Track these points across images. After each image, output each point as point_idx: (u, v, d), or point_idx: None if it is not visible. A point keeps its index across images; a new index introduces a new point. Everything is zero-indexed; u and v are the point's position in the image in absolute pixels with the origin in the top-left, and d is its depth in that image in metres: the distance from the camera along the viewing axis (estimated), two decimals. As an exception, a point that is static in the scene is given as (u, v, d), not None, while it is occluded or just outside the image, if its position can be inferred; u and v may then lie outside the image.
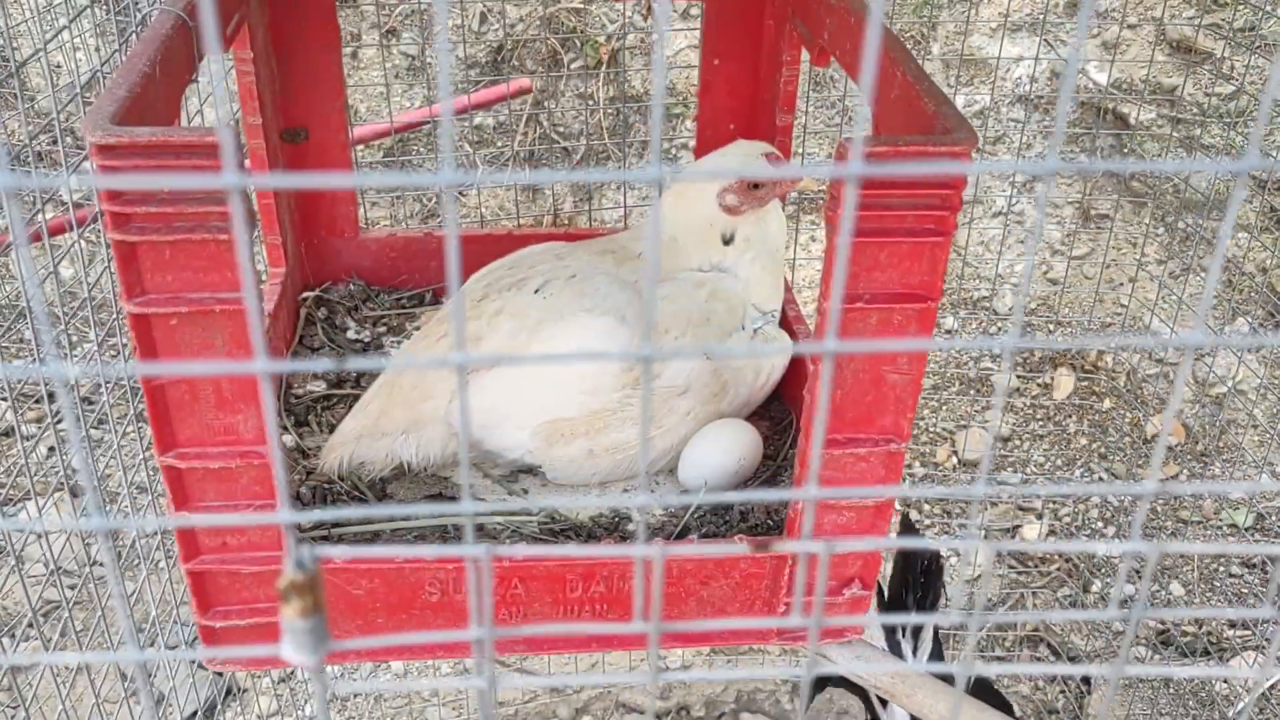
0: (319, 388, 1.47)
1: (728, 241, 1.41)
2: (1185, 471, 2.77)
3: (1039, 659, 2.52)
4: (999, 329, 3.39)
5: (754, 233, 1.42)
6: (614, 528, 1.26)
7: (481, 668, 0.43)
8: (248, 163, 1.44)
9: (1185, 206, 3.11)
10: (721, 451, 1.32)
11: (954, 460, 2.99)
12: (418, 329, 1.55)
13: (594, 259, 1.41)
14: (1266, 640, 2.35)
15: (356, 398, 1.40)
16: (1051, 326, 3.26)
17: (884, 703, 1.63)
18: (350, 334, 1.59)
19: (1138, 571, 2.54)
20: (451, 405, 1.31)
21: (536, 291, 1.34)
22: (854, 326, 1.02)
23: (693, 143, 1.70)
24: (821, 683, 1.74)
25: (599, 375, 1.31)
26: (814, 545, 0.56)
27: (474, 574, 0.43)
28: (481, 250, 1.62)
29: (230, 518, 0.98)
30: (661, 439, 1.34)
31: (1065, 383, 3.10)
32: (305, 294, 1.60)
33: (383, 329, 1.61)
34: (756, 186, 1.38)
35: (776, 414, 1.46)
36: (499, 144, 3.67)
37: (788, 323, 1.48)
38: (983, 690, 1.67)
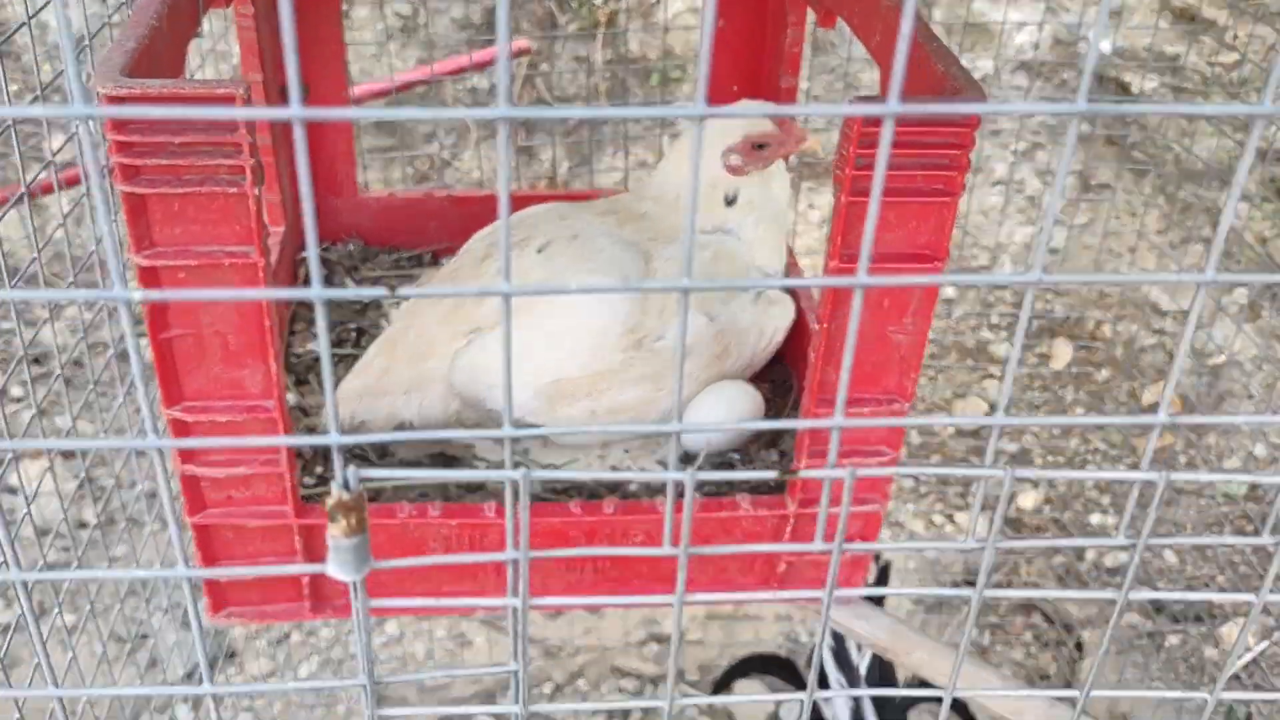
0: (320, 348, 1.47)
1: (730, 203, 1.40)
2: (1181, 441, 2.78)
3: (1032, 626, 2.54)
4: (997, 298, 3.40)
5: (757, 194, 1.41)
6: (615, 487, 1.27)
7: (517, 588, 0.44)
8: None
9: (1186, 176, 3.11)
10: (724, 412, 1.32)
11: (951, 429, 3.00)
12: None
13: (597, 219, 1.40)
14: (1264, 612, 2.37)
15: (356, 358, 1.40)
16: (1050, 295, 3.26)
17: (824, 684, 1.64)
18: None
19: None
20: (454, 365, 1.31)
21: (539, 251, 1.34)
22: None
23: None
24: (748, 664, 1.76)
25: (602, 336, 1.31)
26: (839, 471, 0.57)
27: (511, 496, 0.44)
28: (481, 211, 1.62)
29: (251, 441, 0.98)
30: (663, 400, 1.34)
31: (1063, 353, 3.11)
32: (303, 254, 1.60)
33: (382, 289, 1.60)
34: (761, 147, 1.37)
35: (778, 376, 1.47)
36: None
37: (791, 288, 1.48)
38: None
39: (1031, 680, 2.45)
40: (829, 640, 1.59)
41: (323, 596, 1.17)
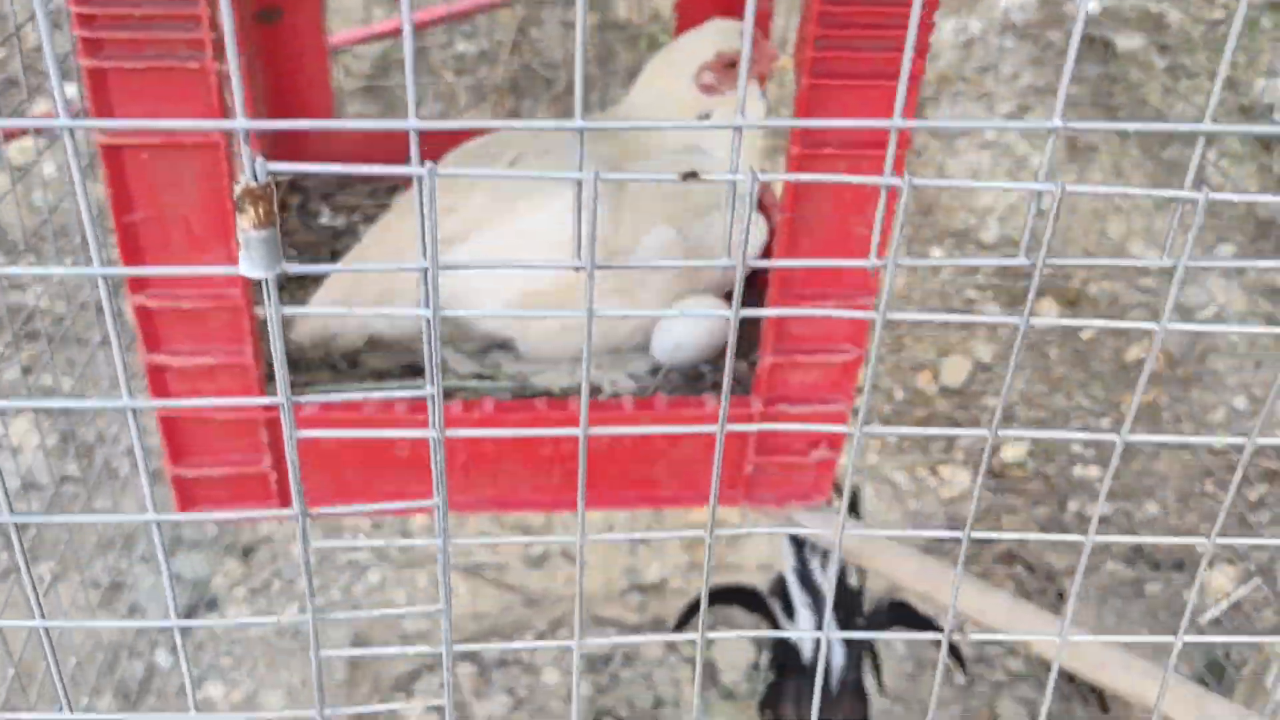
0: (294, 267, 1.47)
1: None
2: (1166, 396, 2.79)
3: (1014, 576, 2.55)
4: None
5: (731, 114, 1.41)
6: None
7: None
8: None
9: (1170, 135, 3.11)
10: (693, 325, 1.33)
11: (936, 386, 3.00)
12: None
13: (570, 137, 1.41)
14: (1240, 556, 2.38)
15: (333, 280, 1.41)
16: (1030, 264, 3.26)
17: (789, 612, 1.64)
18: (324, 220, 1.59)
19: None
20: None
21: (511, 165, 1.34)
22: (822, 172, 1.02)
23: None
24: (717, 595, 1.75)
25: (573, 248, 1.31)
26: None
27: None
28: (455, 141, 1.62)
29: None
30: (636, 318, 1.35)
31: (1048, 312, 3.12)
32: (280, 177, 1.60)
33: (357, 217, 1.61)
34: (734, 65, 1.38)
35: (750, 301, 1.47)
36: (480, 73, 3.65)
37: (764, 207, 1.49)
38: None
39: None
40: (793, 562, 1.60)
41: (290, 497, 1.17)
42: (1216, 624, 2.29)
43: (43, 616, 0.70)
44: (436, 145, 1.47)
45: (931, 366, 3.06)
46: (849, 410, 1.17)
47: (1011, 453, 2.75)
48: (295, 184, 1.62)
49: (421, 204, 0.50)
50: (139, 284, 1.01)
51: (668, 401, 1.19)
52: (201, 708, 2.17)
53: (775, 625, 1.61)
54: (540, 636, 2.41)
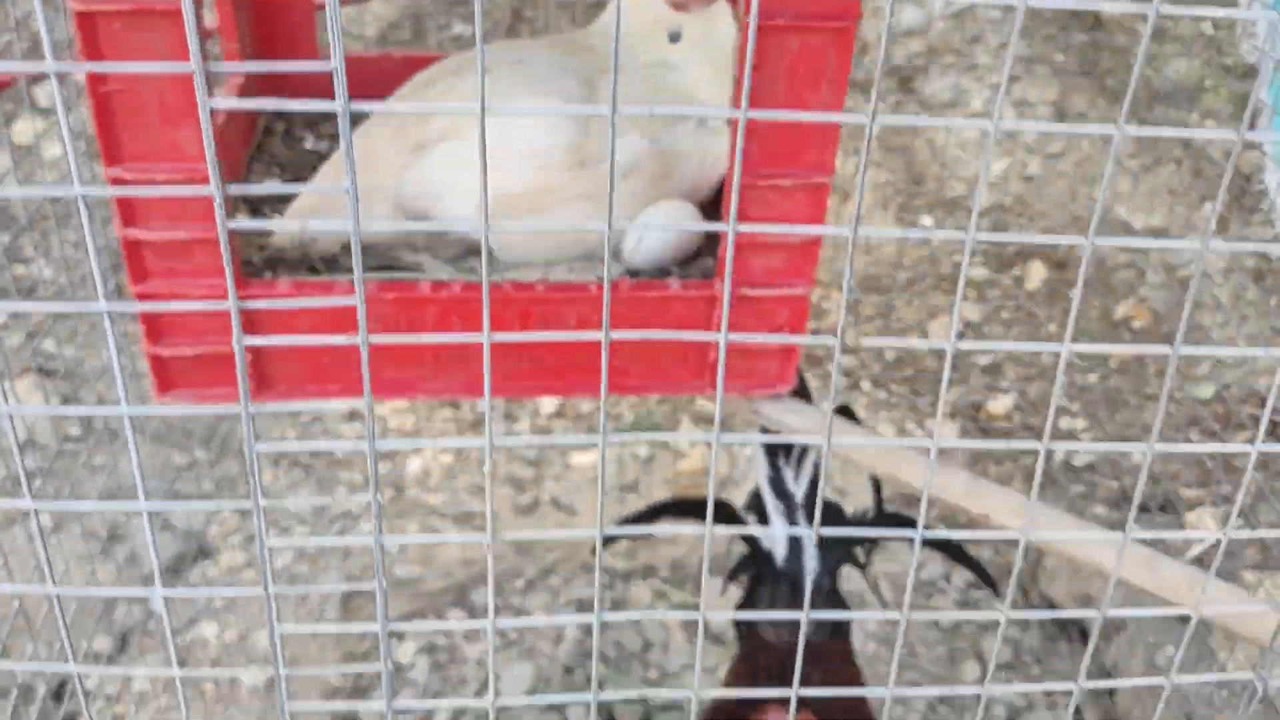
0: (275, 185, 1.51)
1: (674, 39, 1.44)
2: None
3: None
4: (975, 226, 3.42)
5: (701, 33, 1.45)
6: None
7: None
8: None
9: (1156, 98, 3.14)
10: (662, 227, 1.36)
11: (926, 347, 3.03)
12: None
13: (544, 50, 1.45)
14: (1223, 498, 2.40)
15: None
16: (1025, 220, 3.30)
17: (763, 520, 1.65)
18: (308, 145, 1.62)
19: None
20: (400, 181, 1.35)
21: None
22: (774, 49, 1.05)
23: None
24: (690, 509, 1.75)
25: (547, 153, 1.34)
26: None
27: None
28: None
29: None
30: (606, 220, 1.38)
31: (1036, 273, 3.14)
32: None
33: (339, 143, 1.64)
34: (703, -21, 1.41)
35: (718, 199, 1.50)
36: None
37: (735, 124, 1.52)
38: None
39: (1001, 577, 2.48)
40: (765, 469, 1.62)
41: (265, 381, 1.21)
42: (1198, 561, 2.31)
43: (52, 578, 0.73)
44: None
45: (920, 328, 3.09)
46: (809, 296, 1.21)
47: (998, 405, 2.77)
48: (281, 114, 1.66)
49: (344, 137, 0.55)
50: (114, 157, 1.04)
51: (631, 285, 1.22)
52: (194, 647, 2.21)
53: (749, 538, 1.64)
54: (530, 584, 2.44)
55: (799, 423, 1.29)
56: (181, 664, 2.09)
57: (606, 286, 0.70)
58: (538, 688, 2.21)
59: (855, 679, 1.68)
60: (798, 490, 1.60)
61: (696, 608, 2.24)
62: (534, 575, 2.45)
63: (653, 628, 2.35)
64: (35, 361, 2.94)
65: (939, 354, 3.01)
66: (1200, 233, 2.84)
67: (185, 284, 1.13)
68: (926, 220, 3.43)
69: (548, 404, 2.85)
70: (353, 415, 2.83)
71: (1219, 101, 3.06)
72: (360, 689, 2.23)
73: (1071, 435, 2.69)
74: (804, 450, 1.66)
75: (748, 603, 1.71)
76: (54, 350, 2.95)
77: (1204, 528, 2.35)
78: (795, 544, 1.60)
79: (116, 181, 1.05)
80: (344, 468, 2.68)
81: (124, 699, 2.08)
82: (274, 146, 1.60)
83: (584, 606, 2.40)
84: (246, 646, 2.17)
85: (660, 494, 2.59)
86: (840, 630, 1.65)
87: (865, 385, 2.90)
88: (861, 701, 1.66)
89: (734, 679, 1.61)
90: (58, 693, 2.08)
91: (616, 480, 2.63)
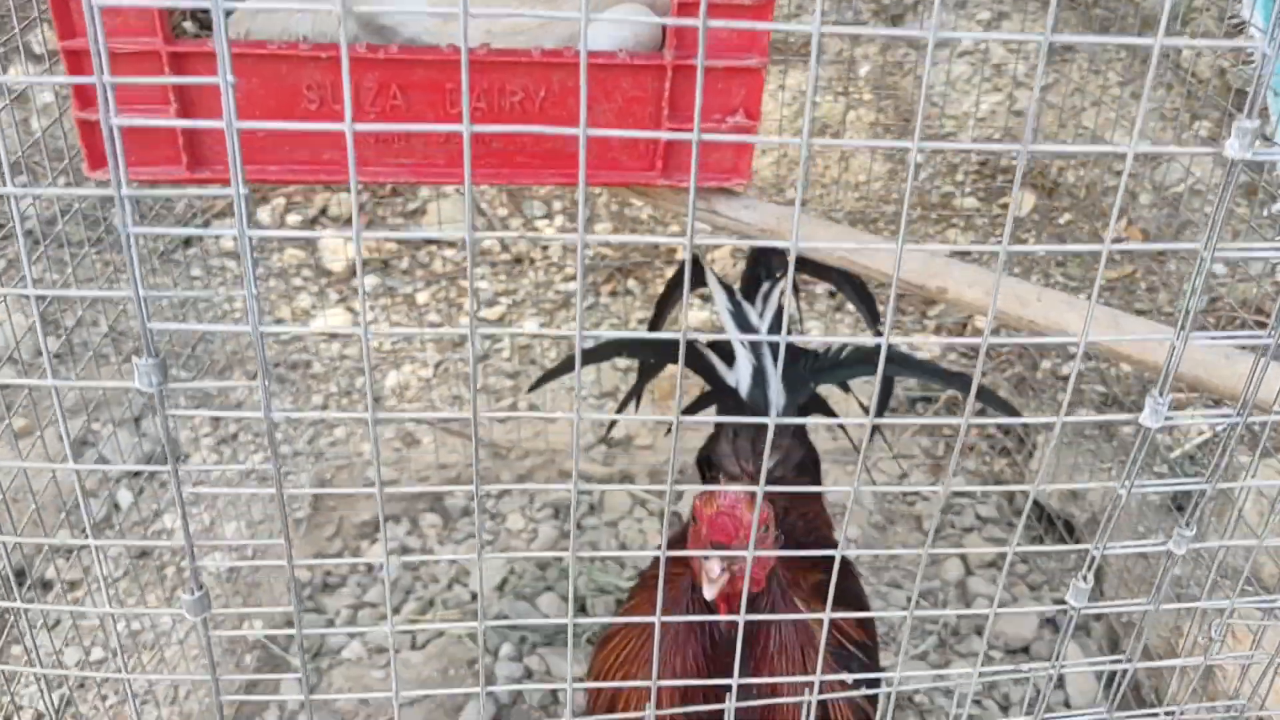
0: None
1: None
2: (1140, 270, 2.77)
3: (988, 437, 2.52)
4: (963, 159, 3.39)
5: None
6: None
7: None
8: None
9: (1146, 24, 3.10)
10: (617, 28, 1.32)
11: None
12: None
13: None
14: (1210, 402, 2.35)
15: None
16: (1012, 154, 3.26)
17: (729, 361, 1.61)
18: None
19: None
20: (350, -16, 1.32)
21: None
22: None
23: None
24: (654, 348, 1.69)
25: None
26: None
27: None
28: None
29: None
30: (558, 26, 1.35)
31: (1026, 200, 3.11)
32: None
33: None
34: None
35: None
36: None
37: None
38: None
39: (985, 482, 2.43)
40: (725, 302, 1.58)
41: (199, 157, 1.17)
42: (1190, 459, 2.26)
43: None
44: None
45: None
46: (764, 69, 1.17)
47: (984, 321, 2.73)
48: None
49: None
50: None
51: (575, 52, 1.18)
52: (157, 538, 2.16)
53: (714, 376, 1.60)
54: (506, 491, 2.40)
55: (755, 219, 1.25)
56: (143, 555, 2.04)
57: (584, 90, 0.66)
58: (509, 580, 2.17)
59: (821, 514, 1.64)
60: (762, 324, 1.56)
61: (675, 513, 2.18)
62: (510, 480, 2.40)
63: (629, 531, 2.30)
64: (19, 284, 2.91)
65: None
66: (1191, 154, 2.80)
67: (115, 42, 1.09)
68: (917, 158, 3.39)
69: (530, 323, 2.81)
70: (332, 337, 2.80)
71: (1209, 22, 3.02)
72: (329, 586, 2.18)
73: (1059, 348, 2.64)
74: (769, 288, 1.62)
75: (710, 441, 1.67)
76: (38, 274, 2.92)
77: (1198, 426, 2.30)
78: (759, 378, 1.56)
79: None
80: (322, 380, 2.64)
81: (83, 585, 2.04)
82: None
83: (560, 512, 2.35)
84: (211, 537, 2.12)
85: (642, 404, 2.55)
86: (805, 468, 1.61)
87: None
88: (824, 524, 1.62)
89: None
90: (19, 578, 2.04)
91: (596, 389, 2.59)
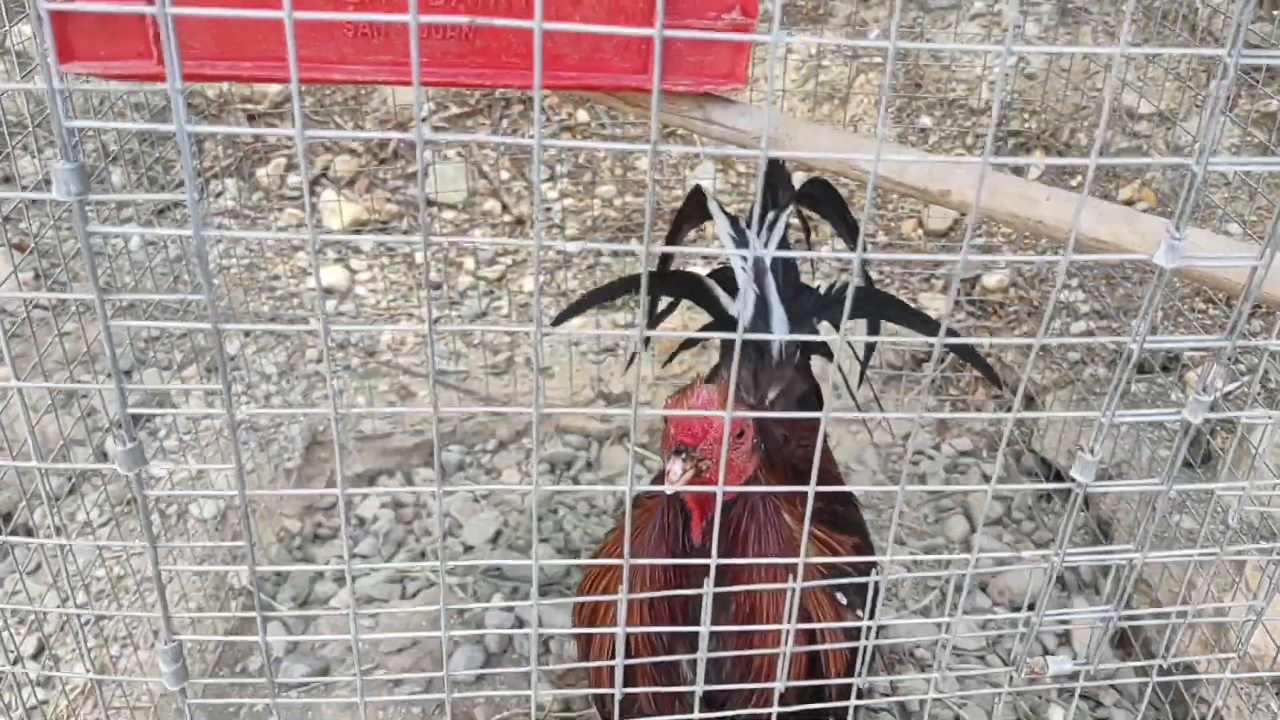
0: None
1: None
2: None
3: (995, 397, 2.46)
4: (974, 123, 3.33)
5: None
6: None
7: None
8: None
9: (1161, -17, 3.03)
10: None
11: (920, 231, 2.94)
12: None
13: None
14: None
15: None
16: (1026, 113, 3.20)
17: (732, 293, 1.56)
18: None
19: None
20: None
21: None
22: None
23: None
24: (663, 284, 1.64)
25: None
26: None
27: None
28: None
29: None
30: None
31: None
32: None
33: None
34: None
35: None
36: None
37: None
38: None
39: (992, 444, 2.38)
40: (729, 230, 1.52)
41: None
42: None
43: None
44: None
45: (917, 216, 3.00)
46: (758, -36, 1.11)
47: (994, 280, 2.67)
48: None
49: None
50: None
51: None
52: (143, 485, 2.12)
53: (718, 308, 1.55)
54: (503, 444, 2.35)
55: (753, 126, 1.20)
56: (129, 501, 1.99)
57: None
58: (502, 532, 2.12)
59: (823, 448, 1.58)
60: (766, 254, 1.51)
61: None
62: (507, 436, 2.35)
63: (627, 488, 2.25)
64: (15, 238, 2.88)
65: (933, 237, 2.91)
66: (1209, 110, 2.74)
67: (79, -76, 1.04)
68: (925, 120, 3.34)
69: (529, 282, 2.76)
70: (330, 290, 2.75)
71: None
72: (319, 537, 2.14)
73: (1070, 307, 2.58)
74: (775, 217, 1.57)
75: (713, 373, 1.62)
76: (33, 230, 2.89)
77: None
78: (761, 308, 1.51)
79: None
80: (316, 335, 2.60)
81: (68, 531, 2.00)
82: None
83: (556, 466, 2.31)
84: (200, 484, 2.08)
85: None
86: (808, 401, 1.56)
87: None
88: (826, 459, 1.56)
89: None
90: (8, 528, 2.00)
91: (596, 344, 2.54)
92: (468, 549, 2.10)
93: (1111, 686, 1.87)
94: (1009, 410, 2.45)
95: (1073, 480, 0.82)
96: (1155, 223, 1.13)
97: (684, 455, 1.09)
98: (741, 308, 1.50)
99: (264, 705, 1.83)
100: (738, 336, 0.76)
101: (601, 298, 1.60)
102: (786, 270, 1.55)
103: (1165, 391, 2.30)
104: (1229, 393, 2.20)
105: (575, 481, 2.27)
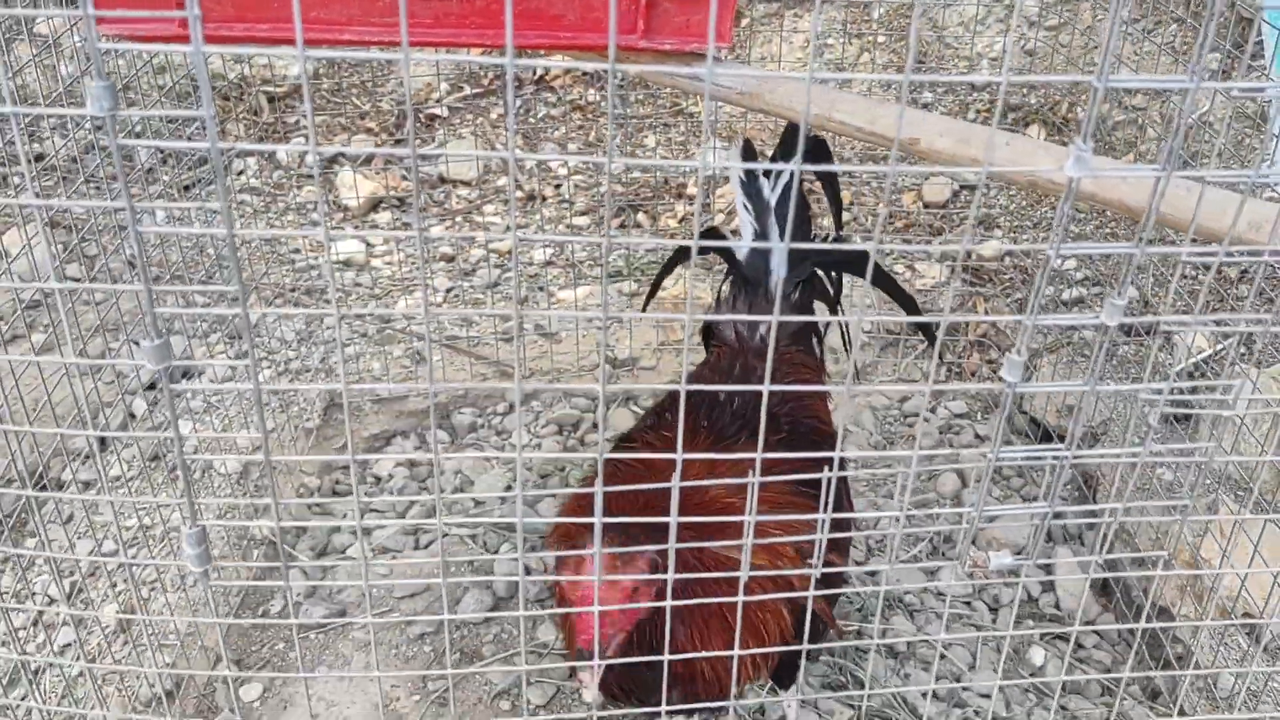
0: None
1: None
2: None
3: (989, 362, 2.54)
4: (975, 98, 3.40)
5: None
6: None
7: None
8: None
9: (1159, -40, 3.09)
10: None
11: (920, 204, 3.01)
12: None
13: None
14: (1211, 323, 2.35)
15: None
16: (1025, 89, 3.26)
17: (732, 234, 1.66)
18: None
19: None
20: None
21: None
22: None
23: None
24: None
25: None
26: None
27: None
28: None
29: None
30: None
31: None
32: None
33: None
34: None
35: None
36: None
37: None
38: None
39: (988, 408, 2.45)
40: (739, 173, 1.61)
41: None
42: (1189, 375, 2.27)
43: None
44: None
45: (917, 188, 3.07)
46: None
47: (990, 249, 2.74)
48: None
49: None
50: None
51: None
52: (171, 442, 2.22)
53: (731, 255, 1.63)
54: (511, 408, 2.44)
55: (736, 82, 1.28)
56: (155, 458, 2.10)
57: None
58: (512, 488, 2.21)
59: (818, 404, 1.66)
60: (772, 196, 1.60)
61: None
62: (516, 400, 2.44)
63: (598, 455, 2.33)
64: (47, 215, 2.98)
65: (931, 209, 2.98)
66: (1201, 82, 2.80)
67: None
68: (926, 96, 3.40)
69: (540, 253, 2.85)
70: (347, 263, 2.85)
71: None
72: (338, 493, 2.24)
73: (1063, 274, 2.65)
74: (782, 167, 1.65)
75: (717, 308, 1.71)
76: (64, 208, 2.99)
77: (1198, 345, 2.31)
78: (760, 239, 1.60)
79: None
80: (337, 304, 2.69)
81: (97, 486, 2.10)
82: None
83: (564, 428, 2.40)
84: (223, 444, 2.18)
85: (644, 329, 2.59)
86: (802, 336, 1.64)
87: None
88: (820, 418, 1.65)
89: (692, 380, 1.61)
90: (39, 482, 2.10)
91: (602, 312, 2.62)
92: (478, 504, 2.19)
93: (1094, 632, 1.95)
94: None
95: (1001, 380, 0.90)
96: (1066, 150, 1.20)
97: (588, 658, 1.16)
98: (747, 223, 1.59)
99: (284, 644, 1.93)
100: (693, 243, 0.83)
101: (666, 274, 1.75)
102: (799, 220, 1.64)
103: (1149, 353, 2.37)
104: (1213, 355, 2.27)
105: (581, 442, 2.36)
